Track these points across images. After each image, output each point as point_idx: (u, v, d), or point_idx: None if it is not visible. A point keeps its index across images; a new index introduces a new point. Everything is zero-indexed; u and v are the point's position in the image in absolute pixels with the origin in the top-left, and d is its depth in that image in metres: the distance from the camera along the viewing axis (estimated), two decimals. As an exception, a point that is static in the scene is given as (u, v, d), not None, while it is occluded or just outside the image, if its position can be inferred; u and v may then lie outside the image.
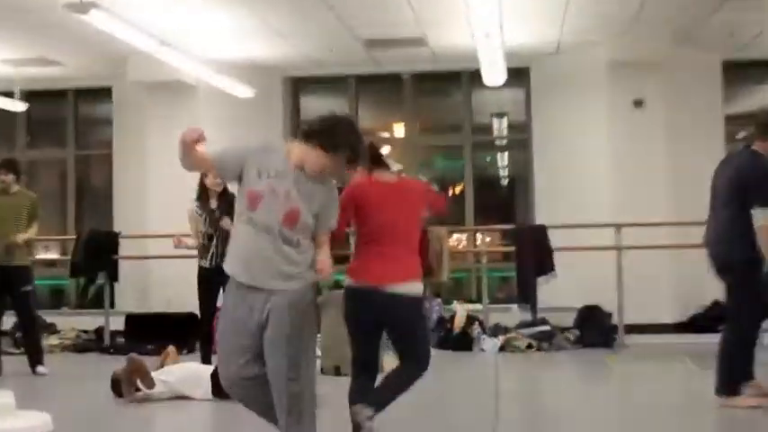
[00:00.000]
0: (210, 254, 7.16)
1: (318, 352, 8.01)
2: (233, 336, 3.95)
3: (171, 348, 7.04)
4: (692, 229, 9.80)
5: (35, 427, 4.96)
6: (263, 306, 3.88)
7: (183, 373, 6.57)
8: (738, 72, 11.27)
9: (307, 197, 3.92)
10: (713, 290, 10.21)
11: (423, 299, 4.56)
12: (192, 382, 6.43)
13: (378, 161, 4.56)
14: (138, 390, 6.39)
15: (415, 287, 4.40)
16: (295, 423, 3.86)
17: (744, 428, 5.47)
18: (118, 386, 6.43)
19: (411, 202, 4.55)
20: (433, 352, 9.12)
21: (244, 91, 10.82)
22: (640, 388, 7.02)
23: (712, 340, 9.41)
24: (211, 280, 6.91)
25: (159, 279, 10.85)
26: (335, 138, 3.94)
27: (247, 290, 3.91)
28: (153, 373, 6.49)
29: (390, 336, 4.57)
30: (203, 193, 7.25)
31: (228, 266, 3.99)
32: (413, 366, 4.45)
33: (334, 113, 4.08)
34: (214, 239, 7.13)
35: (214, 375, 6.01)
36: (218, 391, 5.75)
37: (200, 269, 7.25)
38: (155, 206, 11.00)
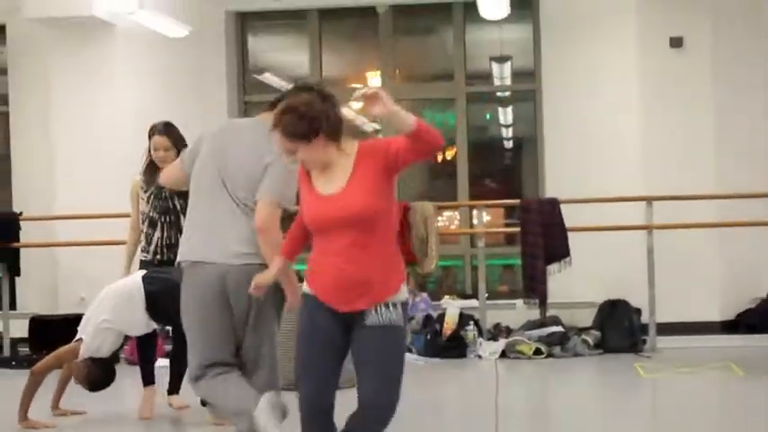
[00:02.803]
0: (155, 245, 7.09)
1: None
2: None
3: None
4: (744, 203, 10.04)
5: None
6: None
7: (104, 305, 6.65)
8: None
9: None
10: (769, 280, 10.47)
11: None
12: (128, 314, 6.59)
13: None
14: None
15: None
16: None
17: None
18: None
19: None
20: (419, 360, 9.40)
21: (175, 29, 10.85)
22: (675, 403, 7.21)
23: (766, 343, 9.72)
24: None
25: (70, 273, 10.93)
26: None
27: None
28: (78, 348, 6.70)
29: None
30: (151, 166, 7.11)
31: None
32: None
33: None
34: (158, 226, 7.08)
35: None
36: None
37: (141, 263, 7.21)
38: (65, 178, 11.03)
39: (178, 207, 6.92)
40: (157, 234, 7.09)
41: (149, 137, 7.10)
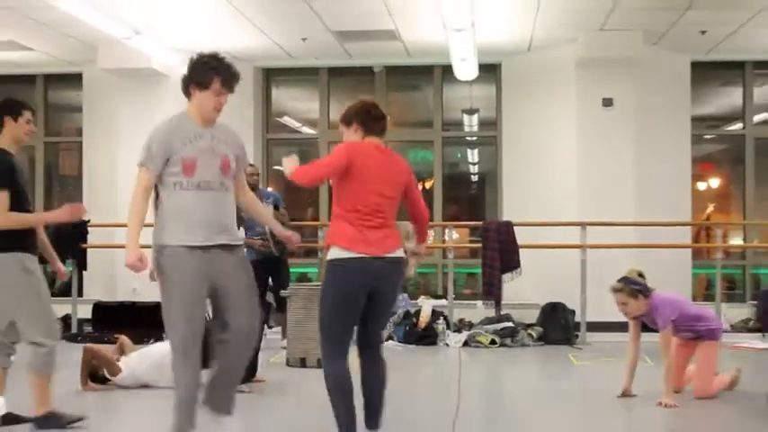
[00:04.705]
0: None
1: (284, 343, 8.23)
2: (202, 299, 4.27)
3: (123, 338, 7.06)
4: (657, 229, 10.10)
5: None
6: (209, 266, 4.25)
7: (146, 360, 6.67)
8: (707, 73, 11.52)
9: (225, 144, 4.44)
10: (675, 290, 10.51)
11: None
12: (156, 369, 6.51)
13: (376, 123, 4.47)
14: (104, 379, 6.58)
15: (401, 252, 4.41)
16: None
17: (692, 420, 5.74)
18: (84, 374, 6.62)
19: (398, 178, 4.45)
20: (399, 346, 9.39)
21: (215, 81, 10.87)
22: (599, 385, 7.23)
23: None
24: None
25: (126, 269, 10.88)
26: (202, 69, 4.40)
27: (202, 251, 4.24)
28: (121, 360, 6.66)
29: (372, 308, 4.36)
30: None
31: (175, 236, 4.27)
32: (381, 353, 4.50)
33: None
34: None
35: None
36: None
37: None
38: (125, 195, 10.94)
39: None
40: None
41: None
